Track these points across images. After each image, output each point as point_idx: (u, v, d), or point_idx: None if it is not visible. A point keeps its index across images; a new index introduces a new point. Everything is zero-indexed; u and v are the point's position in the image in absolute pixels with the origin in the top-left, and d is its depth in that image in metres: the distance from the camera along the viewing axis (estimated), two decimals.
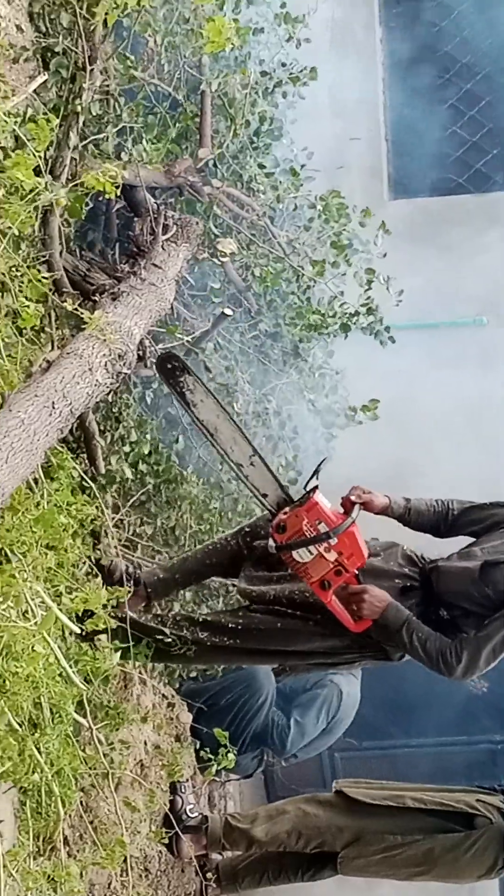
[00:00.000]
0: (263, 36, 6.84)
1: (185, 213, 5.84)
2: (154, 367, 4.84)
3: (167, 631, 4.91)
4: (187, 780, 5.72)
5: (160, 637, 4.92)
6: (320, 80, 6.96)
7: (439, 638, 4.63)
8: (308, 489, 4.64)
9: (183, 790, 5.65)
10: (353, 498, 4.73)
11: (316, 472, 4.74)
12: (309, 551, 4.56)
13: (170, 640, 4.92)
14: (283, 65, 6.83)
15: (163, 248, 5.39)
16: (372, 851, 5.27)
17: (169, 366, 4.76)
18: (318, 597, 4.68)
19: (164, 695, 5.95)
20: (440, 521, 4.90)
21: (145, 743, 5.36)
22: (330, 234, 6.73)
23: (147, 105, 5.93)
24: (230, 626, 4.93)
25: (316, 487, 4.63)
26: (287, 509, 4.66)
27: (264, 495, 4.75)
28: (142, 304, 4.70)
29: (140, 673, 5.46)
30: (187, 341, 5.93)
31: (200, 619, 5.01)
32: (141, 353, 4.51)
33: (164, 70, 6.11)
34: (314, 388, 6.86)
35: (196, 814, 5.60)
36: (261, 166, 6.57)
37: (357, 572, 4.66)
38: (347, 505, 4.73)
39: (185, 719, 6.16)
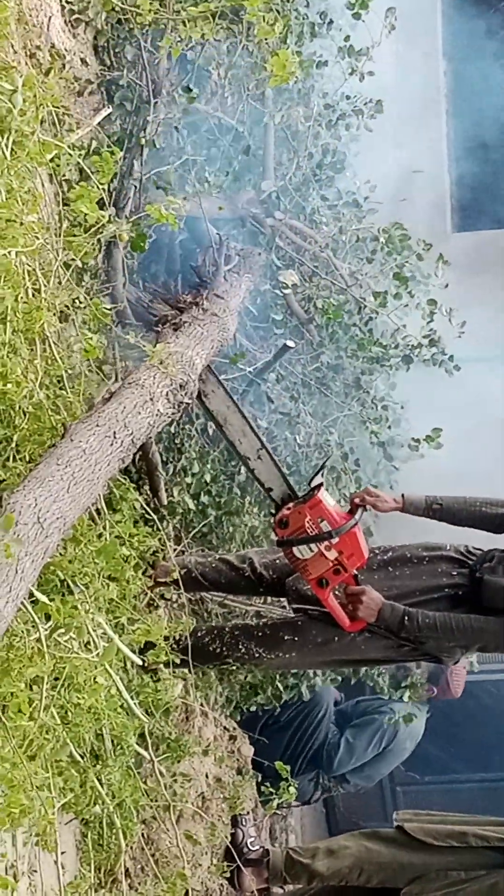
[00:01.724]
0: (327, 69, 6.86)
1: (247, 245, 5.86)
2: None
3: (228, 658, 4.94)
4: (248, 813, 5.68)
5: (217, 658, 4.95)
6: (383, 113, 6.96)
7: (445, 614, 4.65)
8: (312, 486, 4.63)
9: (244, 823, 5.60)
10: (356, 500, 4.72)
11: (320, 469, 4.75)
12: (309, 548, 4.55)
13: (227, 659, 4.94)
14: (347, 97, 6.84)
15: (225, 279, 5.40)
16: (436, 888, 5.20)
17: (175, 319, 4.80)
18: (315, 594, 4.67)
19: (225, 727, 5.92)
20: (486, 520, 4.85)
21: (207, 776, 5.33)
22: (392, 265, 6.72)
23: (210, 137, 5.95)
24: (286, 638, 4.93)
25: (321, 485, 4.62)
26: (291, 505, 4.65)
27: (269, 489, 4.75)
28: (203, 335, 4.71)
29: (202, 705, 5.44)
30: (249, 372, 5.93)
31: (259, 634, 5.00)
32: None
33: (227, 103, 6.13)
34: (376, 420, 6.83)
35: (257, 847, 5.55)
36: (323, 198, 6.58)
37: (356, 572, 4.64)
38: (354, 506, 4.71)
39: (247, 752, 6.12)
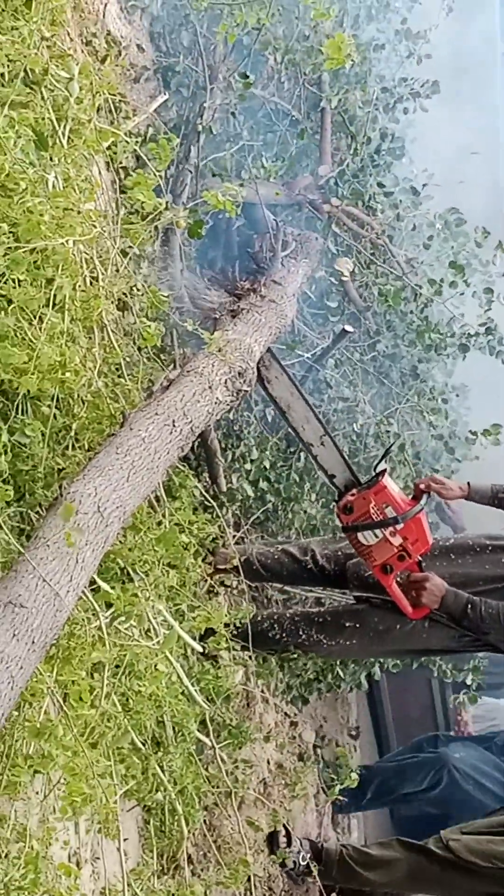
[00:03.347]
0: (384, 52, 6.82)
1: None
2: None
3: (289, 644, 4.95)
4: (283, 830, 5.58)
5: (278, 645, 4.96)
6: (440, 95, 6.90)
7: None
8: (377, 472, 4.61)
9: (282, 844, 5.49)
10: (421, 486, 4.69)
11: (385, 454, 4.73)
12: (374, 534, 4.54)
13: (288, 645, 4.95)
14: (404, 80, 6.79)
15: (282, 265, 5.39)
16: None
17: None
18: (379, 580, 4.66)
19: (286, 713, 5.91)
20: None
21: (268, 762, 5.33)
22: (448, 252, 6.66)
23: (267, 123, 5.93)
24: (347, 625, 4.92)
25: (385, 471, 4.61)
26: (355, 491, 4.63)
27: (332, 476, 4.74)
28: (262, 321, 4.70)
29: (262, 692, 5.44)
30: (308, 358, 5.91)
31: (319, 621, 5.01)
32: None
33: (283, 88, 6.12)
34: (434, 410, 6.78)
35: (305, 862, 5.44)
36: (380, 185, 6.53)
37: (420, 559, 4.63)
38: (418, 492, 4.69)
39: (308, 738, 6.12)
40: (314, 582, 5.29)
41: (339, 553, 5.02)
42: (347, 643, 4.95)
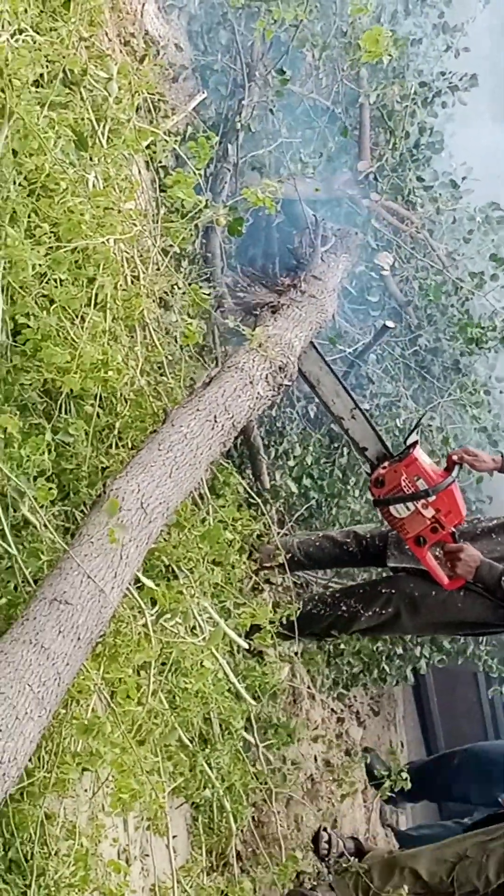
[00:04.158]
0: (422, 47, 6.79)
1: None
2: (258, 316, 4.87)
3: (329, 616, 4.98)
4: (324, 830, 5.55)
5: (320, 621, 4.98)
6: (479, 87, 6.87)
7: None
8: (408, 444, 4.61)
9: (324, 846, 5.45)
10: (454, 458, 4.67)
11: (416, 426, 4.72)
12: (406, 507, 4.54)
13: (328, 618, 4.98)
14: (442, 74, 6.77)
15: (322, 260, 5.38)
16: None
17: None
18: (413, 552, 4.66)
19: (332, 709, 5.91)
20: None
21: (315, 758, 5.32)
22: (489, 245, 6.63)
23: (305, 119, 5.93)
24: (383, 591, 4.93)
25: (416, 443, 4.60)
26: (386, 464, 4.63)
27: (364, 449, 4.74)
28: (302, 317, 4.70)
29: (309, 688, 5.43)
30: (349, 354, 5.90)
31: (359, 591, 5.04)
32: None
33: (321, 84, 6.10)
34: (477, 403, 6.74)
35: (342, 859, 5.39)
36: (419, 179, 6.51)
37: (454, 530, 4.60)
38: (451, 463, 4.67)
39: (355, 734, 6.10)
40: (355, 563, 5.31)
41: (383, 529, 5.02)
42: (383, 612, 4.94)
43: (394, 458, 4.63)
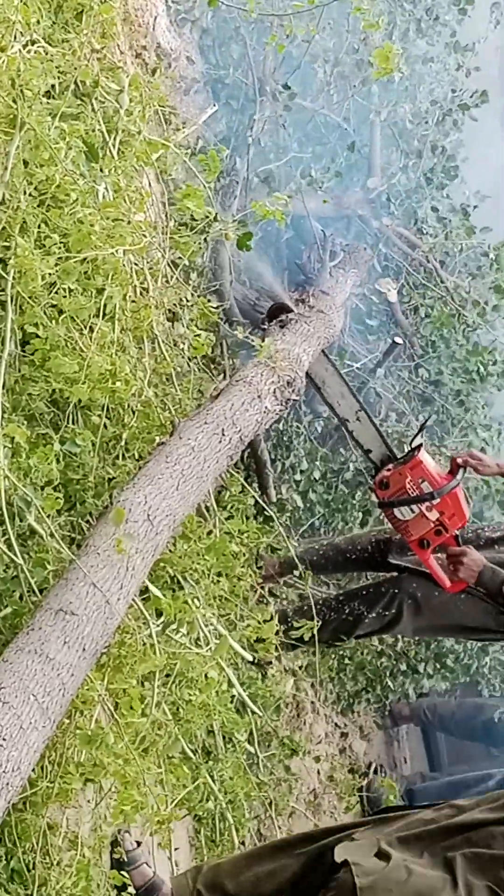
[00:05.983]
0: (433, 66, 6.82)
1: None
2: (265, 316, 4.87)
3: (333, 621, 4.97)
4: None
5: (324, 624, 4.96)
6: (490, 107, 6.89)
7: None
8: (413, 447, 4.60)
9: None
10: (458, 461, 4.67)
11: (421, 429, 4.72)
12: (410, 509, 4.51)
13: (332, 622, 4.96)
14: (453, 91, 6.78)
15: (330, 275, 5.39)
16: None
17: (282, 316, 4.79)
18: (417, 555, 4.64)
19: (336, 724, 5.90)
20: None
21: (318, 772, 5.32)
22: (495, 278, 6.63)
23: (316, 135, 5.95)
24: (385, 591, 4.93)
25: (420, 446, 4.59)
26: (391, 466, 4.63)
27: (368, 451, 4.74)
28: (310, 331, 4.70)
29: (312, 702, 5.43)
30: (357, 369, 5.91)
31: (363, 593, 5.03)
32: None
33: (333, 100, 6.12)
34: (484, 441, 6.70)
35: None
36: (434, 209, 6.53)
37: (457, 533, 4.59)
38: (455, 466, 4.66)
39: (358, 749, 6.09)
40: (359, 567, 5.30)
41: (386, 535, 5.03)
42: (386, 613, 4.93)
43: (398, 461, 4.63)
